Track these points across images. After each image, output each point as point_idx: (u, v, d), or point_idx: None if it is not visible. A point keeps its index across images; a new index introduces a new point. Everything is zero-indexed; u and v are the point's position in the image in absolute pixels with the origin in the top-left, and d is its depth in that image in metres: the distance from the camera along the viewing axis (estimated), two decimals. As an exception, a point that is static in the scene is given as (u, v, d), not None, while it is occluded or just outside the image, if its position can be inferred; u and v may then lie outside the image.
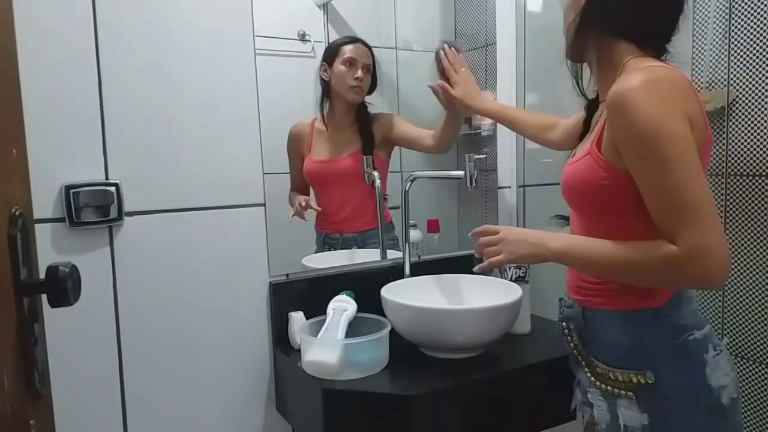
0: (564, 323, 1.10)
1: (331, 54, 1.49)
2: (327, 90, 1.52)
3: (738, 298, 1.55)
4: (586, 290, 1.05)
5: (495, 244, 1.07)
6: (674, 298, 0.97)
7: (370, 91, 1.55)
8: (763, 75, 1.47)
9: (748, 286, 1.53)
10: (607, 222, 0.98)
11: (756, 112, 1.49)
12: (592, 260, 0.95)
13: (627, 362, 0.98)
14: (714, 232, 0.83)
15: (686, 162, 0.84)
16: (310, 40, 1.47)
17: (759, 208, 1.52)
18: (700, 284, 0.92)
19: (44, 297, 0.65)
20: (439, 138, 1.55)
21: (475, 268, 1.15)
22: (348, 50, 1.50)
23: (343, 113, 1.55)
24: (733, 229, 1.56)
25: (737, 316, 1.55)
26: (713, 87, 1.59)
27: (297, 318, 1.35)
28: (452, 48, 1.49)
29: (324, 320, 1.27)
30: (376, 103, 1.58)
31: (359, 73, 1.50)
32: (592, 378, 1.04)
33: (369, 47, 1.53)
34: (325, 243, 1.55)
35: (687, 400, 0.94)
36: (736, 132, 1.54)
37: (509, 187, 1.75)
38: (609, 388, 1.01)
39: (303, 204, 1.48)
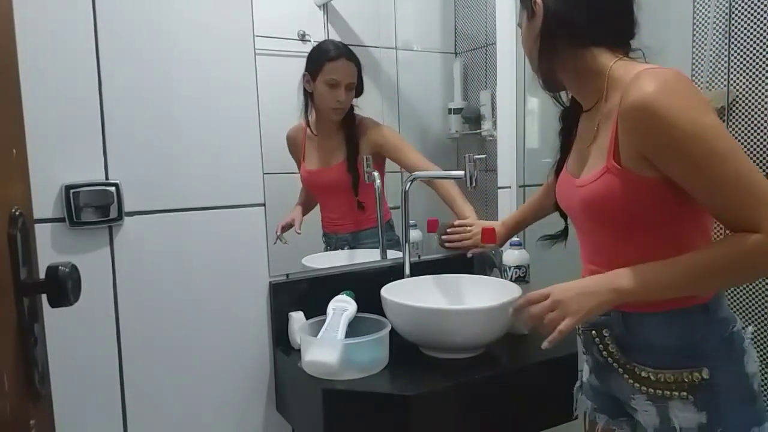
0: (594, 331, 1.03)
1: (314, 68, 1.47)
2: (311, 99, 1.51)
3: (739, 298, 1.55)
4: None
5: (551, 309, 0.94)
6: (717, 292, 0.96)
7: (357, 95, 1.54)
8: (763, 75, 1.47)
9: (747, 285, 1.53)
10: (642, 235, 0.95)
11: (756, 112, 1.49)
12: (671, 284, 0.88)
13: (678, 362, 0.95)
14: None
15: (733, 151, 0.83)
16: (310, 40, 1.47)
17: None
18: None
19: (44, 297, 0.65)
20: (439, 193, 1.58)
21: (545, 345, 0.94)
22: (330, 69, 1.47)
23: (329, 122, 1.54)
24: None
25: (737, 314, 1.55)
26: (713, 87, 1.58)
27: (297, 318, 1.35)
28: (452, 226, 1.50)
29: (324, 320, 1.27)
30: (376, 104, 1.58)
31: (342, 95, 1.49)
32: (636, 384, 0.99)
33: (354, 58, 1.50)
34: (325, 241, 1.57)
35: (734, 390, 0.94)
36: (736, 132, 1.54)
37: (509, 187, 1.75)
38: (658, 391, 0.96)
39: (280, 231, 1.44)
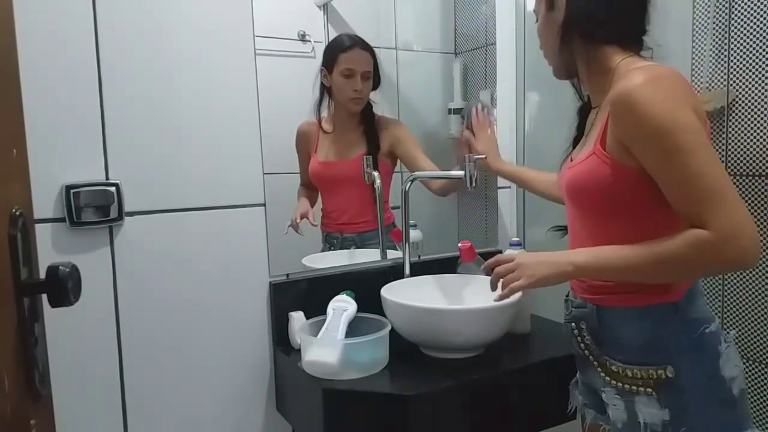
0: (573, 324, 1.08)
1: (329, 61, 1.48)
2: (329, 94, 1.52)
3: (738, 298, 1.55)
4: (600, 289, 1.03)
5: (512, 270, 1.02)
6: (689, 291, 0.97)
7: (375, 88, 1.54)
8: (763, 75, 1.47)
9: (748, 286, 1.53)
10: (617, 221, 0.98)
11: (756, 113, 1.49)
12: (622, 266, 0.93)
13: (645, 358, 0.97)
14: (742, 212, 0.84)
15: (702, 149, 0.85)
16: (310, 41, 1.47)
17: (759, 208, 1.52)
18: (736, 265, 0.91)
19: (44, 297, 0.65)
20: (445, 184, 1.57)
21: (495, 297, 1.05)
22: (345, 59, 1.48)
23: (348, 116, 1.55)
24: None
25: (737, 315, 1.55)
26: (713, 87, 1.58)
27: (297, 318, 1.35)
28: (485, 109, 1.51)
29: (324, 320, 1.27)
30: (376, 104, 1.58)
31: (358, 84, 1.49)
32: (607, 377, 1.02)
33: (368, 48, 1.52)
34: (326, 241, 1.56)
35: (703, 392, 0.95)
36: (736, 132, 1.54)
37: (509, 187, 1.75)
38: (626, 386, 0.99)
39: (299, 219, 1.47)
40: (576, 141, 1.12)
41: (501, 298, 1.04)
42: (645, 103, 0.86)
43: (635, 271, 0.93)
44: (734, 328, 1.52)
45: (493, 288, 1.06)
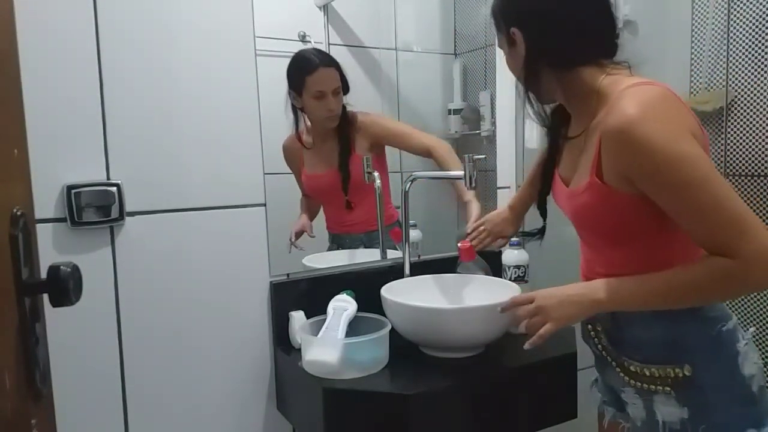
0: (590, 325, 1.07)
1: (297, 84, 1.45)
2: (303, 111, 1.50)
3: (757, 296, 1.55)
4: None
5: (535, 314, 0.99)
6: None
7: (345, 93, 1.51)
8: (762, 75, 1.47)
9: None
10: (629, 245, 0.97)
11: (755, 113, 1.49)
12: (647, 299, 0.92)
13: (663, 357, 0.97)
14: (763, 234, 0.83)
15: (713, 179, 0.84)
16: (310, 41, 1.47)
17: (759, 208, 1.52)
18: (764, 288, 0.91)
19: (46, 297, 0.65)
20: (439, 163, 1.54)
21: (526, 346, 1.00)
22: (313, 82, 1.45)
23: (323, 127, 1.53)
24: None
25: (756, 313, 1.55)
26: (712, 88, 1.59)
27: (297, 317, 1.35)
28: (467, 235, 1.45)
29: (324, 320, 1.27)
30: (376, 105, 1.58)
31: (331, 103, 1.47)
32: (626, 377, 1.02)
33: (332, 62, 1.48)
34: (334, 242, 1.58)
35: (722, 390, 0.95)
36: (735, 132, 1.54)
37: (508, 187, 1.76)
38: (644, 385, 0.99)
39: (295, 238, 1.47)
40: (552, 146, 1.11)
41: (532, 345, 0.99)
42: (644, 139, 0.84)
43: (660, 303, 0.93)
44: (753, 326, 1.52)
45: (517, 326, 1.06)
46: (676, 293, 0.90)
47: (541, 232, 1.25)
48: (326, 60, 1.48)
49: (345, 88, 1.51)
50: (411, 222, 1.53)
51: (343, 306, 1.30)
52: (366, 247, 1.58)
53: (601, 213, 0.96)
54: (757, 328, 1.54)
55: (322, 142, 1.54)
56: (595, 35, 0.99)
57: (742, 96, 1.52)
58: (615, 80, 0.95)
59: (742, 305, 1.56)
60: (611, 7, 0.99)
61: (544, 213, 1.22)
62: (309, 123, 1.52)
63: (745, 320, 1.55)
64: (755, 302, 1.54)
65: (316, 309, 1.33)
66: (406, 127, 1.60)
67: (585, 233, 1.06)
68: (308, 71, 1.46)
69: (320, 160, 1.55)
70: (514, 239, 1.50)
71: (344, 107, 1.53)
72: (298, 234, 1.49)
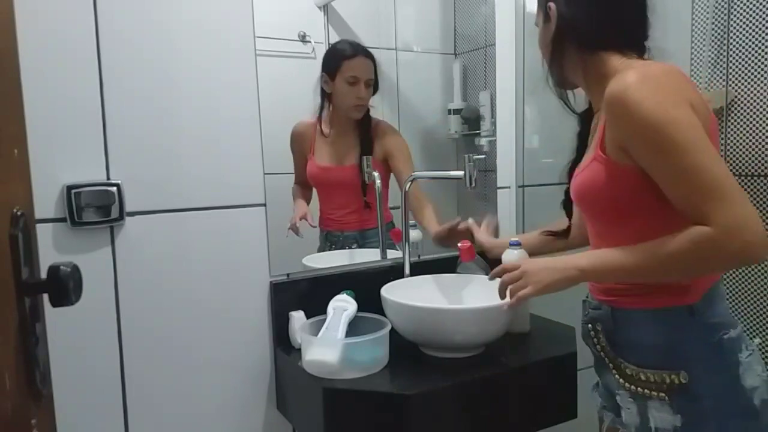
0: (590, 325, 1.07)
1: (332, 67, 1.48)
2: (328, 99, 1.52)
3: (738, 299, 1.55)
4: (616, 290, 1.02)
5: (518, 278, 1.01)
6: (708, 294, 0.95)
7: (374, 93, 1.55)
8: (762, 75, 1.47)
9: (748, 286, 1.53)
10: (626, 223, 0.97)
11: (755, 113, 1.50)
12: (627, 267, 0.91)
13: (659, 362, 0.96)
14: (744, 205, 0.82)
15: (698, 143, 0.84)
16: (310, 41, 1.47)
17: (759, 208, 1.52)
18: (741, 260, 0.87)
19: (46, 297, 0.65)
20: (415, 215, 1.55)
21: (504, 306, 1.06)
22: (350, 67, 1.49)
23: (346, 120, 1.55)
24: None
25: (764, 323, 1.54)
26: (712, 87, 1.59)
27: (297, 317, 1.35)
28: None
29: (324, 320, 1.27)
30: (376, 105, 1.58)
31: (362, 92, 1.50)
32: (621, 380, 1.02)
33: (370, 55, 1.52)
34: (327, 240, 1.57)
35: (721, 401, 0.93)
36: (735, 132, 1.54)
37: (508, 187, 1.76)
38: (639, 389, 0.98)
39: (299, 221, 1.48)
40: (579, 149, 1.12)
41: (510, 306, 1.04)
42: (636, 101, 0.85)
43: (639, 271, 0.92)
44: (758, 336, 1.50)
45: (502, 296, 1.06)
46: (657, 261, 0.88)
47: (566, 233, 1.24)
48: (366, 51, 1.52)
49: (376, 86, 1.54)
50: (411, 222, 1.53)
51: (343, 306, 1.30)
52: (360, 246, 1.58)
53: (600, 186, 0.96)
54: (763, 339, 1.52)
55: (340, 134, 1.55)
56: (626, 26, 1.01)
57: (742, 96, 1.53)
58: (628, 62, 0.96)
59: (748, 314, 1.56)
60: (647, 7, 1.01)
61: (570, 212, 1.21)
62: (330, 113, 1.53)
63: (750, 330, 1.54)
64: (761, 312, 1.53)
65: (316, 309, 1.33)
66: (407, 164, 1.59)
67: (584, 207, 1.06)
68: (348, 56, 1.49)
69: (334, 153, 1.55)
70: (513, 239, 1.50)
71: (368, 108, 1.55)
72: (302, 217, 1.49)
